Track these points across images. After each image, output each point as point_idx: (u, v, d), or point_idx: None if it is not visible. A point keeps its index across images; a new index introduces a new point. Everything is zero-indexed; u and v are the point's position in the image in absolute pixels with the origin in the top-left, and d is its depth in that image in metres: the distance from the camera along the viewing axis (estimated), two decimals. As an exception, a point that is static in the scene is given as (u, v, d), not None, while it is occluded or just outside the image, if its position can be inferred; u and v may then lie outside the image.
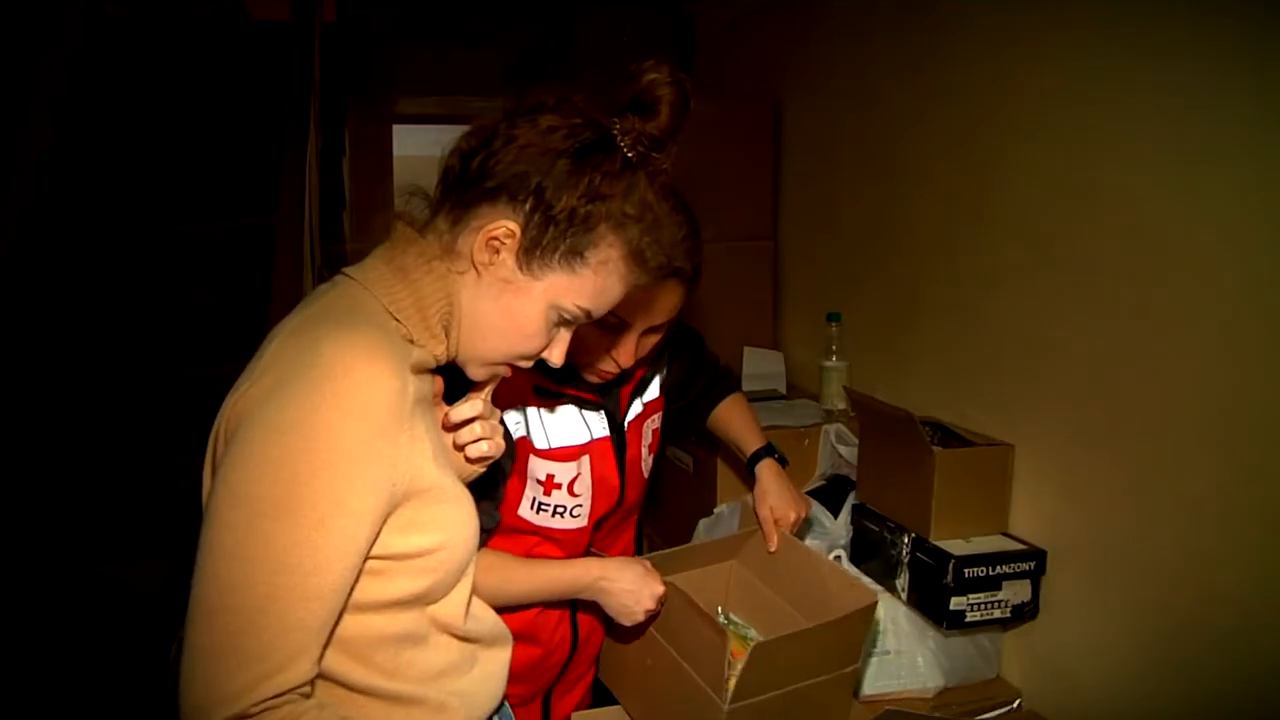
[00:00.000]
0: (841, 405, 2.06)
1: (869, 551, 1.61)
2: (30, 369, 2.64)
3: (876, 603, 1.25)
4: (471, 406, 0.95)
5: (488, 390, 0.97)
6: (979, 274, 1.69)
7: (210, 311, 2.76)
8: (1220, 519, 1.22)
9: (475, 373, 0.93)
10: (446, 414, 0.96)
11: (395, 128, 2.58)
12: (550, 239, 0.85)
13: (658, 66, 0.90)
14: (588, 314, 0.91)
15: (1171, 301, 1.28)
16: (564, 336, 0.93)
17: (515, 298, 0.87)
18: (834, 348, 2.11)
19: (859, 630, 1.25)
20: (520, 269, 0.87)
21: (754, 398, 2.24)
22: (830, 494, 1.80)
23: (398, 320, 0.86)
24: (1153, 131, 1.30)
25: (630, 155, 0.89)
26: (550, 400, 1.26)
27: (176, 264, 2.92)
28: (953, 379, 1.78)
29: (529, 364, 0.94)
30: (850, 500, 1.70)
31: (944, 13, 1.77)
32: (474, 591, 1.04)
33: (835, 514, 1.72)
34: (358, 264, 0.91)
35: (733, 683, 1.15)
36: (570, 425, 1.28)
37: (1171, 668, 1.30)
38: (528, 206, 0.85)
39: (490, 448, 0.97)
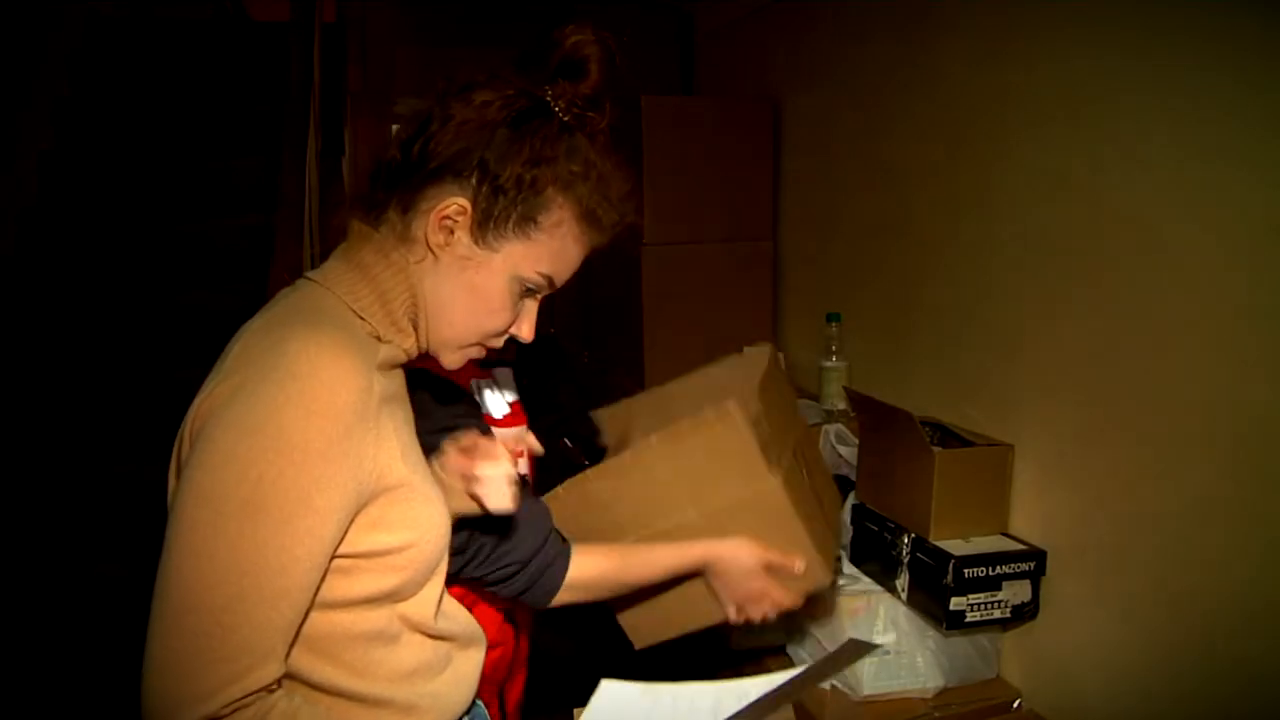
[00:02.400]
0: (841, 405, 2.06)
1: (869, 552, 1.61)
2: (31, 369, 2.64)
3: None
4: (496, 465, 0.93)
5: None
6: (979, 274, 1.69)
7: (209, 311, 2.76)
8: (1220, 519, 1.22)
9: (449, 359, 0.93)
10: (474, 470, 0.93)
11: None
12: (501, 209, 0.86)
13: (579, 28, 0.91)
14: (549, 280, 0.91)
15: (1171, 301, 1.28)
16: (531, 309, 0.93)
17: (476, 274, 0.87)
18: (834, 348, 2.11)
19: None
20: (477, 244, 0.87)
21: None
22: (830, 494, 1.80)
23: (362, 319, 0.86)
24: (1153, 131, 1.30)
25: (566, 118, 0.89)
26: None
27: (176, 264, 2.92)
28: (953, 379, 1.78)
29: (500, 342, 0.93)
30: (850, 500, 1.70)
31: (944, 13, 1.77)
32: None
33: (835, 514, 1.72)
34: (318, 267, 0.91)
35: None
36: None
37: (1171, 668, 1.30)
38: (474, 181, 0.86)
39: (509, 500, 0.95)
